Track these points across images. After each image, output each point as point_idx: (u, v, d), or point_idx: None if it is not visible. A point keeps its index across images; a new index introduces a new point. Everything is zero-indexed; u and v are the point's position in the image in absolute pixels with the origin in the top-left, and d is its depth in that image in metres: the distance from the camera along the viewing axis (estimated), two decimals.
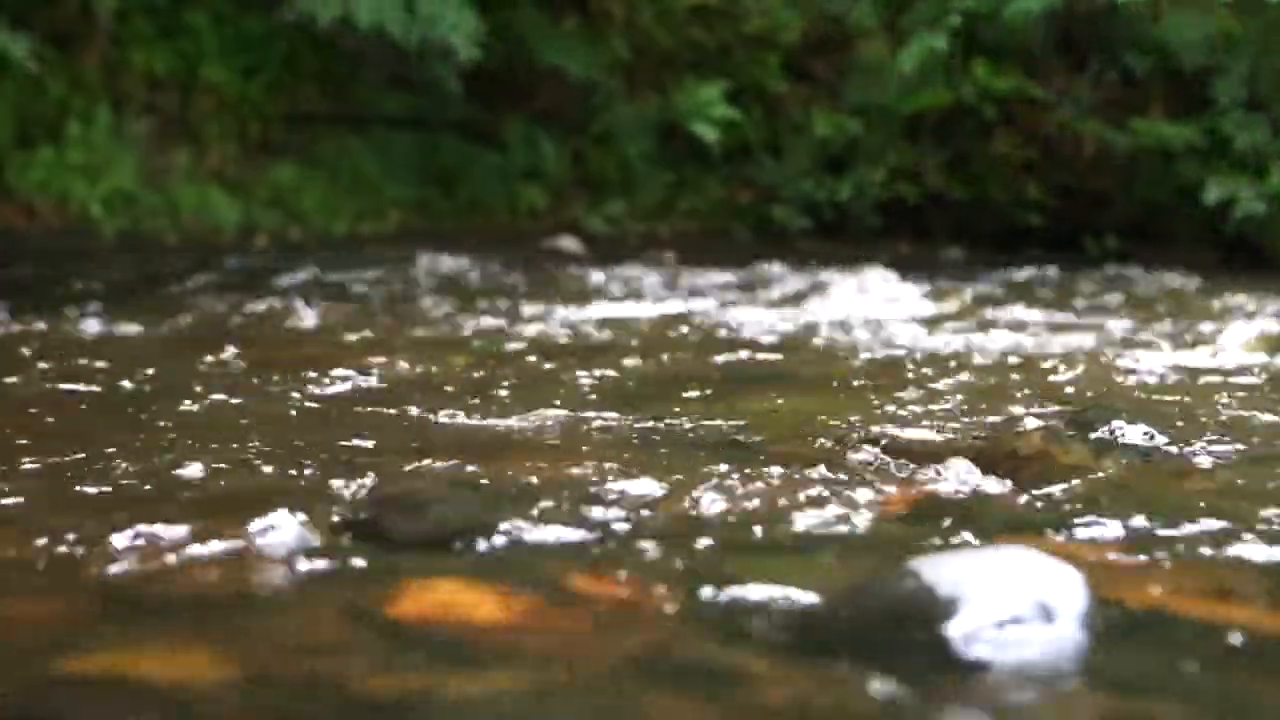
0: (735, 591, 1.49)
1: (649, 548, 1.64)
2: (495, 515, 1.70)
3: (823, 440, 2.30)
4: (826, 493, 1.89)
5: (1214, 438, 2.35)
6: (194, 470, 1.99)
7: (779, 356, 3.66)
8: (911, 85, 8.54)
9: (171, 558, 1.57)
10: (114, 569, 1.54)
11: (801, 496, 1.86)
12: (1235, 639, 1.37)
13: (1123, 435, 2.26)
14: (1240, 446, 2.29)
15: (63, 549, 1.59)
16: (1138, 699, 1.20)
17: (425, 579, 1.50)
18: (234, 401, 2.68)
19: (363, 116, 8.80)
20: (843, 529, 1.74)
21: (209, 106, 8.43)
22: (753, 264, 6.54)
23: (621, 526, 1.72)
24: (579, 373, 3.18)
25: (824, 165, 8.90)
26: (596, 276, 5.98)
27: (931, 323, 4.50)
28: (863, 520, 1.79)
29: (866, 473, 2.04)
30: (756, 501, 1.84)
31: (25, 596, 1.47)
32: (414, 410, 2.60)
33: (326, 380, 2.96)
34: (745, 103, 8.95)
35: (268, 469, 2.01)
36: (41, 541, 1.62)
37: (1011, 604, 1.29)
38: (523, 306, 4.80)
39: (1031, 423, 2.48)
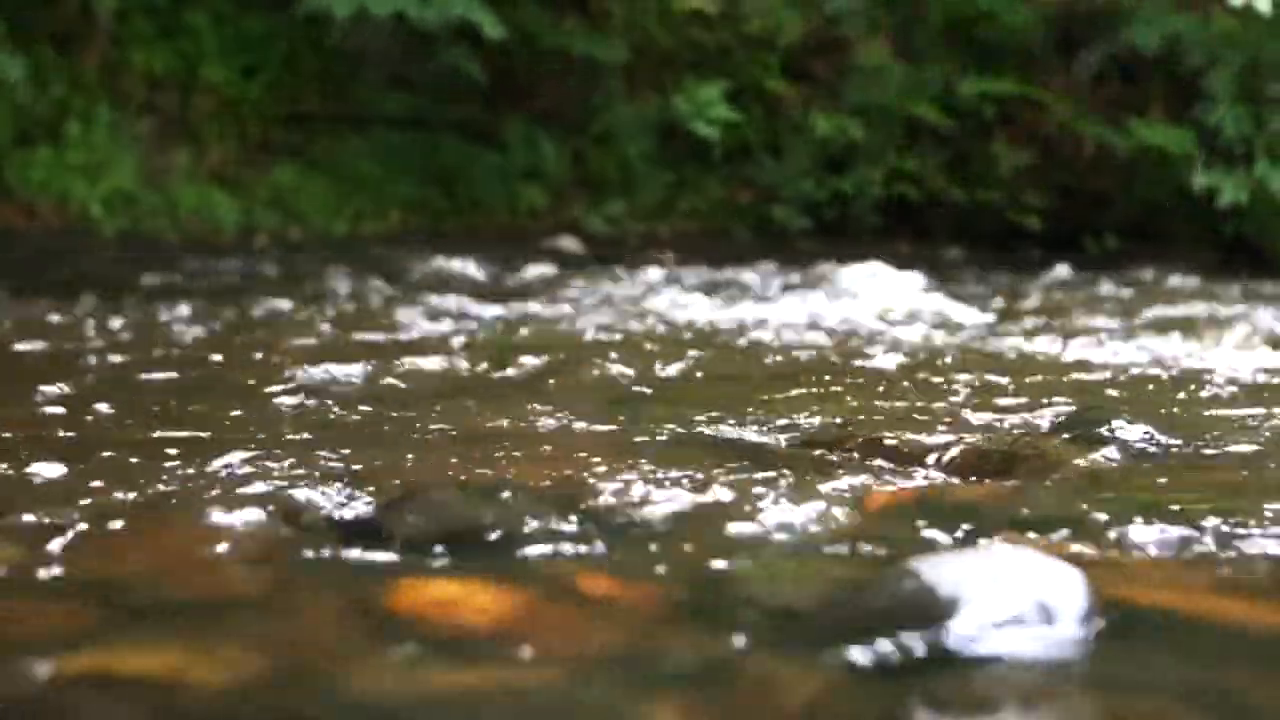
0: (733, 591, 1.49)
1: (648, 546, 1.64)
2: (494, 514, 1.70)
3: (823, 440, 2.30)
4: (826, 492, 1.89)
5: (1214, 437, 2.35)
6: (192, 469, 1.99)
7: (778, 357, 3.66)
8: (908, 88, 8.58)
9: (170, 557, 1.57)
10: (112, 568, 1.54)
11: (801, 496, 1.86)
12: (1236, 638, 1.37)
13: (1122, 435, 2.26)
14: (1240, 446, 2.29)
15: (62, 548, 1.59)
16: (1138, 699, 1.20)
17: (424, 577, 1.50)
18: (233, 402, 2.68)
19: (363, 116, 8.80)
20: (842, 529, 1.74)
21: (209, 106, 8.44)
22: (752, 264, 6.54)
23: (620, 525, 1.72)
24: (579, 372, 3.18)
25: (824, 165, 8.90)
26: (596, 276, 5.98)
27: (930, 323, 4.50)
28: (862, 520, 1.78)
29: (866, 472, 2.04)
30: (755, 501, 1.84)
31: (24, 596, 1.46)
32: (413, 409, 2.59)
33: (325, 379, 2.96)
34: (745, 103, 8.95)
35: (266, 468, 2.01)
36: (40, 540, 1.61)
37: (1011, 604, 1.29)
38: (522, 306, 4.80)
39: (1031, 422, 2.48)
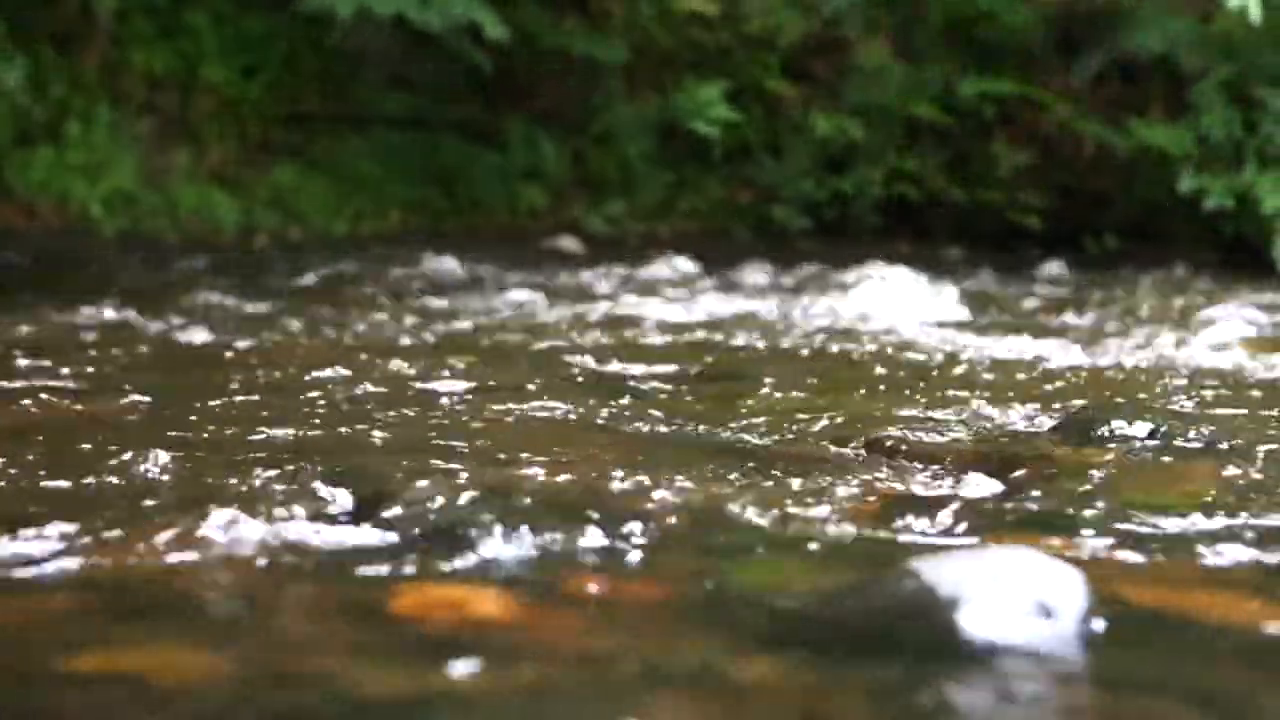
0: (735, 591, 1.49)
1: (649, 547, 1.64)
2: (495, 514, 1.70)
3: (823, 440, 2.30)
4: (827, 493, 1.89)
5: (1214, 437, 2.35)
6: (193, 469, 1.99)
7: (779, 357, 3.66)
8: (908, 88, 8.58)
9: (170, 556, 1.57)
10: (112, 567, 1.54)
11: (801, 496, 1.86)
12: (1235, 638, 1.37)
13: (1123, 435, 2.26)
14: (1240, 444, 2.29)
15: (61, 547, 1.59)
16: (1138, 699, 1.20)
17: (425, 578, 1.50)
18: (233, 401, 2.68)
19: (363, 116, 8.80)
20: (843, 529, 1.74)
21: (209, 106, 8.44)
22: (752, 264, 6.54)
23: (621, 526, 1.72)
24: (580, 372, 3.18)
25: (824, 165, 8.90)
26: (596, 276, 5.98)
27: (931, 323, 4.50)
28: (863, 520, 1.78)
29: (867, 473, 2.04)
30: (756, 501, 1.84)
31: (24, 594, 1.47)
32: (413, 409, 2.60)
33: (326, 379, 2.96)
34: (745, 103, 8.95)
35: (267, 468, 2.01)
36: (40, 539, 1.62)
37: (1012, 604, 1.29)
38: (522, 306, 4.80)
39: (1031, 422, 2.49)
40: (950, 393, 2.91)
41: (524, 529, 1.67)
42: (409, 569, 1.53)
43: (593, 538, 1.68)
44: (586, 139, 9.09)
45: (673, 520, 1.76)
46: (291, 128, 8.65)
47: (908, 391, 2.95)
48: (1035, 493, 1.95)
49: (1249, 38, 7.46)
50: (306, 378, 2.98)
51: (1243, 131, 7.70)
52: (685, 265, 6.58)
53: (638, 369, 3.30)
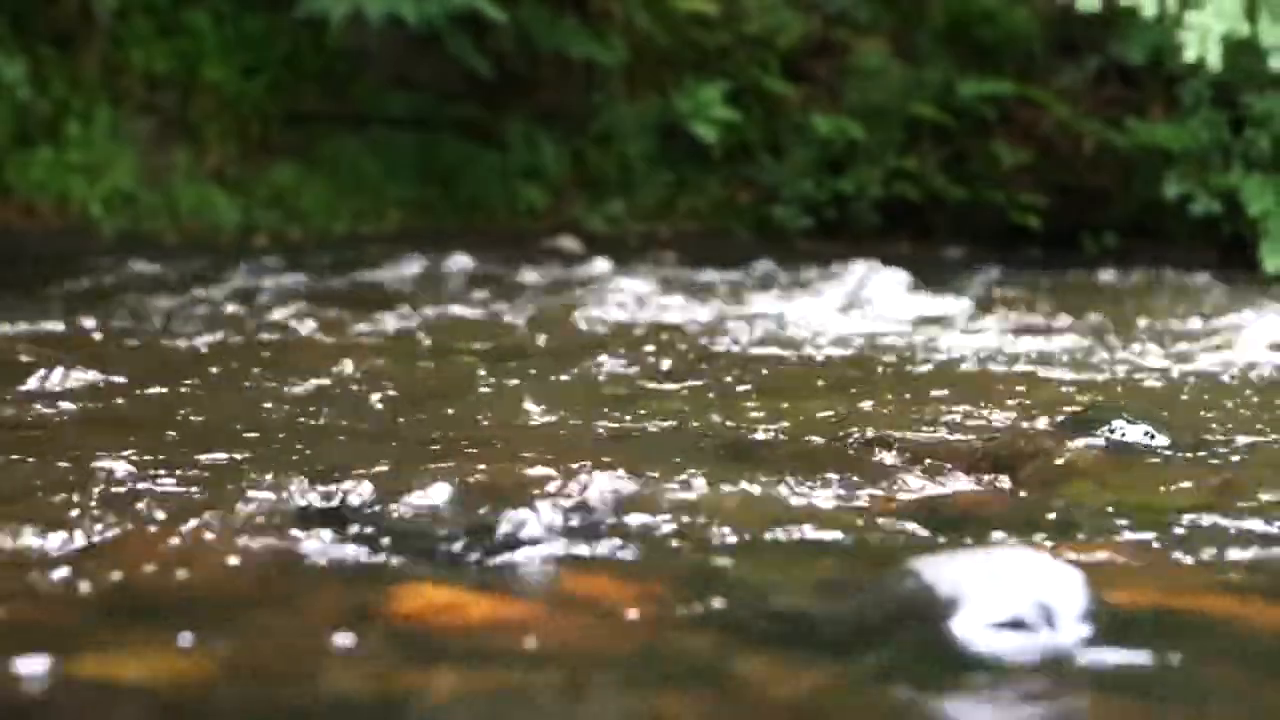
0: (735, 591, 1.49)
1: (648, 548, 1.64)
2: (493, 515, 1.70)
3: (823, 441, 2.30)
4: (827, 493, 1.89)
5: (1213, 437, 2.35)
6: (191, 471, 1.99)
7: (779, 358, 3.66)
8: (908, 88, 8.58)
9: (168, 558, 1.57)
10: (109, 569, 1.54)
11: (802, 497, 1.87)
12: (1235, 638, 1.37)
13: (1123, 435, 2.26)
14: (1239, 445, 2.29)
15: (59, 548, 1.59)
16: (1138, 699, 1.20)
17: (423, 579, 1.50)
18: (232, 403, 2.68)
19: (363, 116, 8.80)
20: (843, 529, 1.74)
21: (209, 106, 8.43)
22: (752, 264, 6.54)
23: (620, 526, 1.72)
24: (579, 373, 3.18)
25: (824, 165, 8.90)
26: (596, 276, 5.98)
27: (931, 323, 4.50)
28: (863, 520, 1.79)
29: (867, 473, 2.04)
30: (757, 501, 1.84)
31: (21, 596, 1.47)
32: (411, 410, 2.60)
33: (325, 380, 2.96)
34: (745, 103, 8.95)
35: (265, 470, 2.01)
36: (38, 541, 1.62)
37: (1011, 604, 1.30)
38: (522, 306, 4.80)
39: (1031, 422, 2.49)
40: (950, 392, 2.91)
41: (521, 530, 1.67)
42: (407, 570, 1.53)
43: (593, 537, 1.68)
44: (586, 139, 9.09)
45: (673, 520, 1.76)
46: (291, 128, 8.64)
47: (908, 391, 2.95)
48: (1035, 493, 1.95)
49: (1238, 41, 7.44)
50: (303, 378, 2.98)
51: (1230, 135, 7.70)
52: (685, 265, 6.58)
53: (637, 369, 3.30)
